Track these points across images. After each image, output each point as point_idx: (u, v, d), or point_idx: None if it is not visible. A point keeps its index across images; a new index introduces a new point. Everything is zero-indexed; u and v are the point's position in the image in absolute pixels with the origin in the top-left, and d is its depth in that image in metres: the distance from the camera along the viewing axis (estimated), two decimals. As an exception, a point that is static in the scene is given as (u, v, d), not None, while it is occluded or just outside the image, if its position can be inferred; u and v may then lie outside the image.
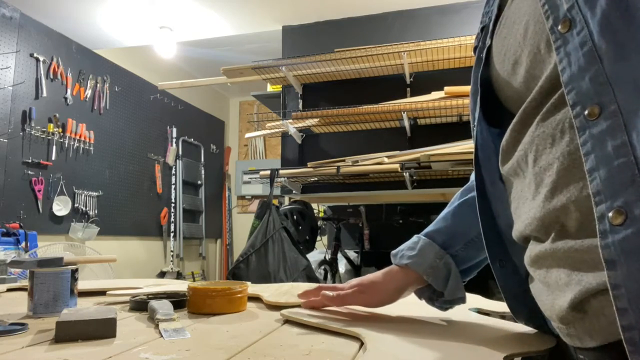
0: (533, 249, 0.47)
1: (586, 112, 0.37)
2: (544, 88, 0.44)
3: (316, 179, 2.77)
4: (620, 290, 0.34)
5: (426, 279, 0.66)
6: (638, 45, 0.35)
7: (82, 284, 1.02)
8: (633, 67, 0.35)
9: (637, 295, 0.33)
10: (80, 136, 3.67)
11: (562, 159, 0.40)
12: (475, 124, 0.58)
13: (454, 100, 2.46)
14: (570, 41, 0.39)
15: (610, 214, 0.35)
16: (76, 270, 0.76)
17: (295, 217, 2.68)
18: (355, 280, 0.72)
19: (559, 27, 0.40)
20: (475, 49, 0.60)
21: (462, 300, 0.67)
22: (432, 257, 0.66)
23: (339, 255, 3.01)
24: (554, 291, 0.44)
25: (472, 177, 0.70)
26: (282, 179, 2.70)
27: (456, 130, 2.66)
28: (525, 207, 0.47)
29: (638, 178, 0.34)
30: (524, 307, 0.55)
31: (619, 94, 0.36)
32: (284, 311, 0.70)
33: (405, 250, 0.69)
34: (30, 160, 3.26)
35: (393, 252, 0.71)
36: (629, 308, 0.33)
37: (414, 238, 0.70)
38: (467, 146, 2.34)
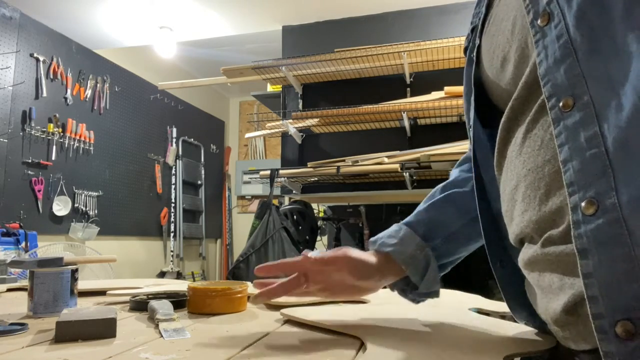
0: (526, 252, 0.47)
1: (561, 104, 0.38)
2: (528, 83, 0.44)
3: (316, 179, 2.77)
4: (591, 279, 0.34)
5: (405, 268, 0.63)
6: (611, 37, 0.36)
7: (82, 284, 1.02)
8: (606, 59, 0.36)
9: (607, 283, 0.34)
10: (80, 136, 3.67)
11: (554, 161, 0.40)
12: (471, 124, 0.58)
13: (454, 100, 2.46)
14: (548, 34, 0.40)
15: (582, 204, 0.35)
16: (76, 270, 0.76)
17: (295, 217, 2.68)
18: (318, 261, 0.63)
19: (539, 21, 0.41)
20: (465, 49, 0.60)
21: (437, 294, 0.66)
22: (413, 247, 0.64)
23: (339, 255, 3.01)
24: (548, 294, 0.44)
25: (454, 174, 0.71)
26: (282, 179, 2.70)
27: (456, 130, 2.66)
28: (518, 210, 0.47)
29: (609, 169, 0.34)
30: (525, 307, 0.55)
31: (592, 86, 0.36)
32: (283, 311, 0.70)
33: (385, 238, 0.66)
34: (30, 160, 3.26)
35: (372, 239, 0.68)
36: (599, 296, 0.34)
37: (395, 226, 0.68)
38: (467, 146, 2.34)
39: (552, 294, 0.43)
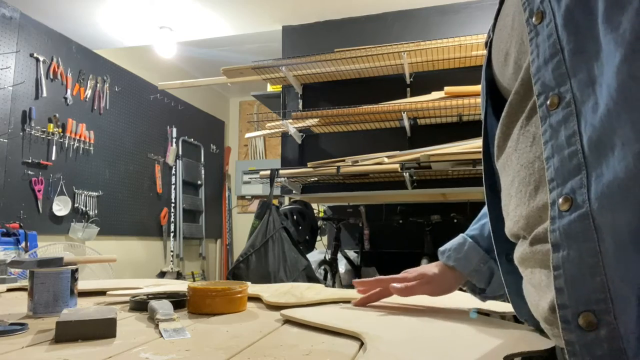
0: (518, 249, 0.48)
1: (548, 102, 0.39)
2: (524, 80, 0.45)
3: (316, 179, 2.77)
4: (559, 271, 0.36)
5: (470, 279, 0.73)
6: (594, 37, 0.36)
7: (82, 284, 1.02)
8: (588, 59, 0.36)
9: (572, 276, 0.35)
10: (80, 136, 3.67)
11: (542, 158, 0.41)
12: (484, 117, 0.59)
13: (454, 100, 2.46)
14: (540, 33, 0.41)
15: (560, 201, 0.37)
16: (76, 270, 0.76)
17: (295, 217, 2.68)
18: (414, 271, 0.79)
19: (533, 19, 0.42)
20: (486, 44, 0.61)
21: (502, 296, 0.73)
22: (476, 261, 0.72)
23: (339, 255, 3.01)
24: (538, 292, 0.44)
25: None
26: (282, 179, 2.70)
27: (456, 130, 2.66)
28: (512, 205, 0.48)
29: (583, 167, 0.35)
30: (526, 303, 0.55)
31: (575, 84, 0.37)
32: (284, 311, 0.70)
33: (452, 252, 0.75)
34: (30, 160, 3.26)
35: (440, 249, 0.77)
36: (564, 288, 0.36)
37: (460, 239, 0.75)
38: (467, 146, 2.34)
39: (541, 292, 0.43)
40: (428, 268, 0.77)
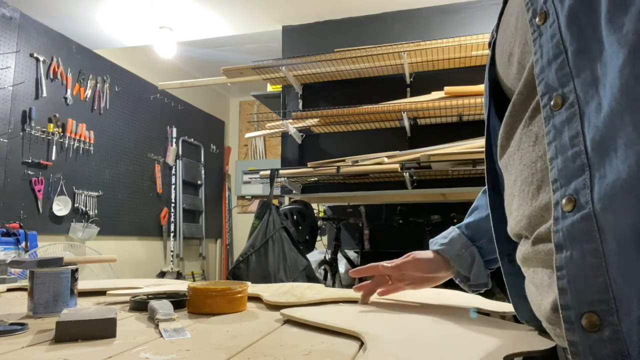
0: (520, 249, 0.48)
1: (552, 103, 0.39)
2: (527, 80, 0.45)
3: (316, 179, 2.77)
4: (562, 272, 0.36)
5: (452, 264, 0.77)
6: (598, 37, 0.36)
7: (82, 284, 1.02)
8: (592, 59, 0.36)
9: (575, 277, 0.35)
10: (80, 136, 3.67)
11: (545, 158, 0.41)
12: (487, 117, 0.59)
13: (454, 100, 2.46)
14: (544, 33, 0.41)
15: (563, 201, 0.37)
16: (76, 270, 0.76)
17: (295, 217, 2.68)
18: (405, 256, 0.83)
19: (537, 20, 0.42)
20: (489, 44, 0.61)
21: (486, 285, 0.78)
22: (459, 247, 0.77)
23: (339, 255, 3.01)
24: (540, 292, 0.44)
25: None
26: (282, 179, 2.70)
27: (456, 130, 2.66)
28: (514, 204, 0.48)
29: (586, 167, 0.35)
30: (527, 304, 0.55)
31: (578, 85, 0.37)
32: (283, 310, 0.70)
33: (439, 238, 0.80)
34: (30, 160, 3.26)
35: (432, 239, 0.82)
36: (567, 288, 0.36)
37: (450, 229, 0.80)
38: (467, 146, 2.34)
39: (543, 292, 0.43)
40: (421, 252, 0.82)
